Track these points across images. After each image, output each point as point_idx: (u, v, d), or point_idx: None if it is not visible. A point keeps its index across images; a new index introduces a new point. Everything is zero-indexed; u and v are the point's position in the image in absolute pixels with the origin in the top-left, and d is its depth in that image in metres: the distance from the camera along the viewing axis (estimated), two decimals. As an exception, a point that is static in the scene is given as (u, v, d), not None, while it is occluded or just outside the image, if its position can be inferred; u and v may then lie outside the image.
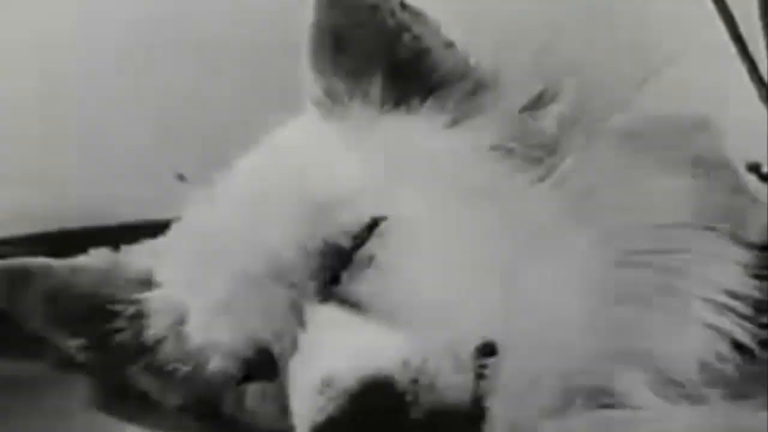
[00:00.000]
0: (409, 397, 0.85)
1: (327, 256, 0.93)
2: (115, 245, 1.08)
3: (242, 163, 1.03)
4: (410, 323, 0.89)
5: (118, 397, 1.07)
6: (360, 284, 0.93)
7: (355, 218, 0.94)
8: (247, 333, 0.95)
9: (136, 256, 1.06)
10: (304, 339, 0.91)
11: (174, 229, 1.06)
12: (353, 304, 0.92)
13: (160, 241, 1.07)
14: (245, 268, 0.95)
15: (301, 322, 0.92)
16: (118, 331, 1.04)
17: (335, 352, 0.88)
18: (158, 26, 1.38)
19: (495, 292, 0.92)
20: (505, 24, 1.14)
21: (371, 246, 0.93)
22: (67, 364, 1.07)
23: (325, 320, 0.91)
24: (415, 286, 0.92)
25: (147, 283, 1.03)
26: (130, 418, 1.06)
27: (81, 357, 1.06)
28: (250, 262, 0.95)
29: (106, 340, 1.04)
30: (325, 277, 0.93)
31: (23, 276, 1.03)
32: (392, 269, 0.93)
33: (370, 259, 0.93)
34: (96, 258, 1.06)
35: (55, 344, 1.06)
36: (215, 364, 0.97)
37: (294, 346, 0.92)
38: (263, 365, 0.95)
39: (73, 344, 1.06)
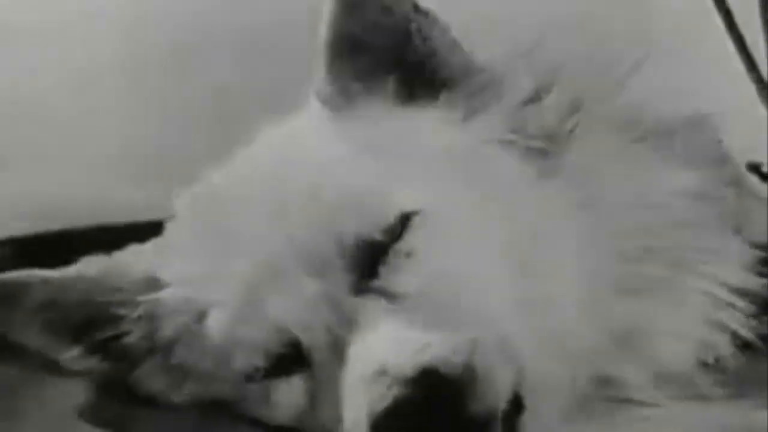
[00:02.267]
0: (463, 386, 0.86)
1: (362, 251, 0.94)
2: (116, 245, 1.07)
3: (246, 159, 1.03)
4: (452, 315, 0.90)
5: (115, 403, 1.06)
6: (399, 278, 0.94)
7: (385, 213, 0.95)
8: (275, 327, 0.95)
9: (134, 258, 1.05)
10: (347, 331, 0.91)
11: (173, 227, 1.05)
12: (394, 297, 0.92)
13: (158, 241, 1.06)
14: (270, 263, 0.95)
15: (338, 316, 0.92)
16: (124, 334, 1.03)
17: (384, 344, 0.88)
18: (159, 28, 1.39)
19: (514, 284, 0.94)
20: (499, 21, 1.15)
21: (407, 240, 0.95)
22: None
23: (367, 313, 0.91)
24: (452, 279, 0.93)
25: (151, 283, 1.02)
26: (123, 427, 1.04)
27: (77, 366, 1.05)
28: (276, 258, 0.95)
29: (109, 346, 1.04)
30: (362, 271, 0.94)
31: (16, 291, 1.02)
32: (429, 262, 0.94)
33: (408, 253, 0.94)
34: (89, 265, 1.05)
35: (49, 356, 1.05)
36: (240, 359, 0.97)
37: (330, 338, 0.92)
38: (292, 358, 0.95)
39: (69, 354, 1.04)
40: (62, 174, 1.40)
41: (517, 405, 0.88)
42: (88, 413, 1.03)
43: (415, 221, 0.95)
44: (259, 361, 0.96)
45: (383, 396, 0.85)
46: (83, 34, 1.39)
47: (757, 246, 1.00)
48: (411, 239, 0.95)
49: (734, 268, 0.98)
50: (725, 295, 0.97)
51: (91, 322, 1.03)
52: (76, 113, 1.40)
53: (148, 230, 1.06)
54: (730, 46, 1.10)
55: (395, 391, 0.85)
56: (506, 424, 0.88)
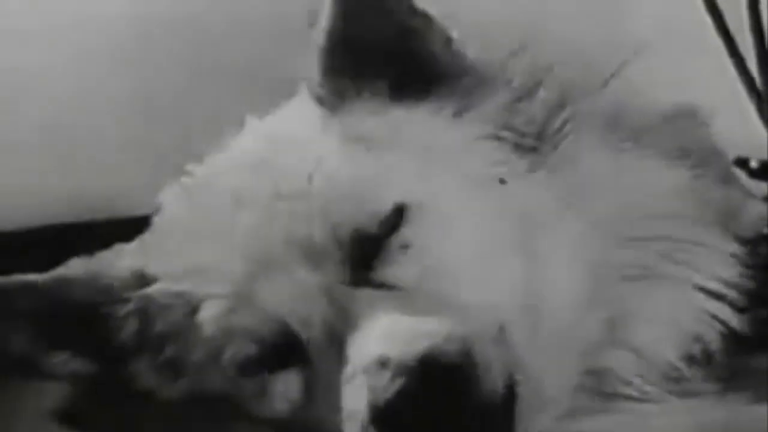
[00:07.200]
0: (463, 374, 0.86)
1: (357, 243, 0.94)
2: (109, 240, 1.07)
3: (236, 150, 1.03)
4: (448, 305, 0.91)
5: (99, 405, 1.05)
6: (395, 269, 0.94)
7: (379, 204, 0.95)
8: (272, 320, 0.95)
9: (120, 256, 1.05)
10: (344, 323, 0.91)
11: (161, 221, 1.05)
12: (390, 289, 0.93)
13: (146, 237, 1.06)
14: (265, 255, 0.95)
15: (335, 307, 0.92)
16: (114, 333, 1.03)
17: (382, 335, 0.88)
18: (151, 22, 1.39)
19: (510, 275, 0.94)
20: (488, 21, 1.15)
21: (402, 232, 0.95)
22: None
23: (364, 305, 0.91)
24: (447, 270, 0.94)
25: (140, 280, 1.02)
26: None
27: (64, 370, 1.04)
28: (271, 250, 0.95)
29: (98, 346, 1.03)
30: (357, 263, 0.94)
31: (4, 297, 1.02)
32: (424, 253, 0.94)
33: (403, 244, 0.95)
34: (75, 267, 1.05)
35: (35, 361, 1.04)
36: (236, 352, 0.97)
37: (326, 330, 0.92)
38: (291, 352, 0.95)
39: (58, 359, 1.04)
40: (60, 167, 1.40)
41: (511, 393, 0.88)
42: (68, 416, 1.03)
43: (410, 213, 0.95)
44: (256, 355, 0.96)
45: (385, 387, 0.85)
46: (80, 29, 1.40)
47: (745, 240, 1.01)
48: (405, 231, 0.95)
49: (723, 261, 0.99)
50: (714, 287, 0.98)
51: (79, 325, 1.03)
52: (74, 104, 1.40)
53: (131, 226, 1.06)
54: (718, 42, 1.10)
55: (398, 383, 0.85)
56: (502, 413, 0.88)
